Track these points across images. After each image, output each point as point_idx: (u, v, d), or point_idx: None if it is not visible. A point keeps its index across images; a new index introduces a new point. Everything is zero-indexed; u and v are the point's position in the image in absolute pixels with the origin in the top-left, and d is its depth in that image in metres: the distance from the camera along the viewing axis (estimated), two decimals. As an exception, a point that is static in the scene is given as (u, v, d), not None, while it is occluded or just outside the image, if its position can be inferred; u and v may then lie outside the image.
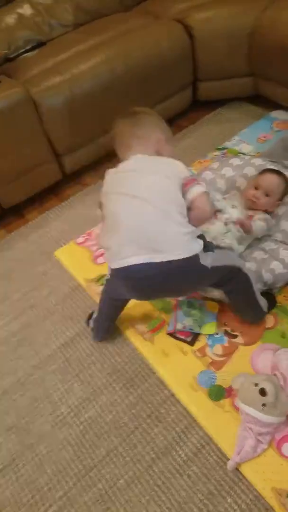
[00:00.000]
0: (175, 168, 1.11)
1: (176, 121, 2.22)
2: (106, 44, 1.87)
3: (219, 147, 1.96)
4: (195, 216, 1.08)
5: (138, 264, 1.00)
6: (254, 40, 1.85)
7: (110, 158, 2.05)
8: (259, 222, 1.33)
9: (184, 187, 1.07)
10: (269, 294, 1.33)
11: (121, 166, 1.15)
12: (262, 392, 1.04)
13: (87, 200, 1.94)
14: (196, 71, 2.03)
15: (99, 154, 1.99)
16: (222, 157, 1.88)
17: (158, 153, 1.15)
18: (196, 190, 1.07)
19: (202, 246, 1.04)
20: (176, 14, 1.99)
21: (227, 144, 1.96)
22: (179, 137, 2.10)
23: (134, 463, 1.10)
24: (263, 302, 1.25)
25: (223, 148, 1.94)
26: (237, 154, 1.88)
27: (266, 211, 1.39)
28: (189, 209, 1.07)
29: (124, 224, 1.04)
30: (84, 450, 1.16)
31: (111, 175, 1.15)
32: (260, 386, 1.05)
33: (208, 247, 1.07)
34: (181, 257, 1.00)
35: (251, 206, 1.39)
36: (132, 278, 1.04)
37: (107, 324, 1.33)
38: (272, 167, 1.48)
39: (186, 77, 2.03)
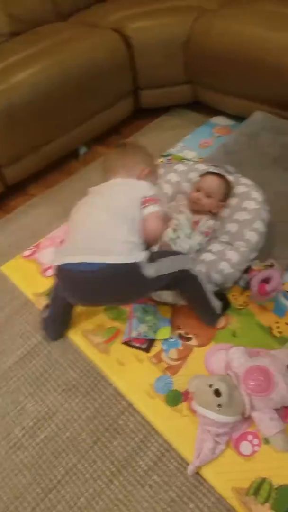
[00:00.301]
0: (138, 189, 1.17)
1: (121, 129, 2.23)
2: (43, 54, 1.84)
3: (164, 154, 1.99)
4: (145, 235, 1.12)
5: (75, 264, 1.02)
6: (189, 49, 1.91)
7: (56, 166, 2.04)
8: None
9: (142, 205, 1.14)
10: (222, 296, 1.36)
11: (96, 188, 1.24)
12: (217, 392, 1.05)
13: (33, 211, 1.89)
14: (136, 79, 2.05)
15: (43, 163, 1.96)
16: (167, 163, 1.91)
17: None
18: (148, 210, 1.14)
19: (144, 257, 1.05)
20: (113, 23, 2.00)
21: (172, 150, 1.99)
22: (124, 145, 2.10)
23: (95, 480, 1.07)
24: (217, 304, 1.27)
25: (168, 155, 1.97)
26: (181, 160, 1.92)
27: (210, 213, 1.42)
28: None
29: (76, 227, 1.13)
30: (42, 472, 1.11)
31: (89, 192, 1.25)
32: (214, 387, 1.06)
33: (154, 258, 1.08)
34: (118, 261, 1.01)
35: (194, 208, 1.42)
36: (72, 280, 1.07)
37: (57, 326, 1.33)
38: (214, 170, 1.52)
39: (126, 85, 2.04)
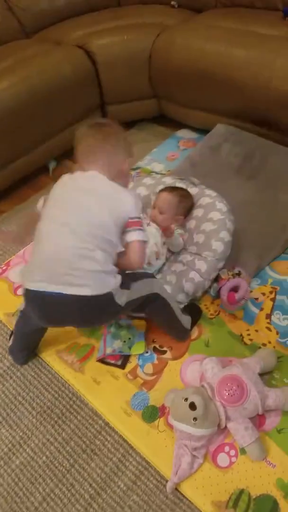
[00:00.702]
0: (121, 207, 1.06)
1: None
2: (7, 71, 1.83)
3: (133, 167, 2.00)
4: (123, 262, 1.07)
5: (47, 292, 0.96)
6: (152, 64, 1.95)
7: (25, 182, 2.02)
8: (177, 237, 1.40)
9: (125, 228, 1.06)
10: (194, 306, 1.37)
11: (77, 175, 1.10)
12: (192, 406, 1.05)
13: (3, 227, 1.86)
14: (103, 94, 2.07)
15: (12, 179, 1.94)
16: (137, 176, 1.93)
17: (116, 178, 1.09)
18: (132, 237, 1.06)
19: (118, 284, 1.02)
20: (77, 40, 2.02)
21: (140, 163, 2.01)
22: (93, 160, 2.11)
23: (73, 504, 1.05)
24: (186, 320, 1.28)
25: (137, 168, 1.99)
26: (150, 173, 1.94)
27: (171, 227, 1.44)
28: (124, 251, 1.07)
29: (44, 248, 1.02)
30: (18, 499, 1.07)
31: (64, 181, 1.11)
32: (189, 400, 1.07)
33: (125, 283, 1.05)
34: (91, 293, 0.96)
35: (155, 224, 1.44)
36: (40, 304, 1.00)
37: (24, 353, 1.30)
38: (180, 184, 1.55)
39: (93, 100, 2.06)
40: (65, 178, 1.12)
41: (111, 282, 1.01)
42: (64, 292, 0.95)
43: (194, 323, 1.33)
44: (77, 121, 2.02)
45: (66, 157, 2.15)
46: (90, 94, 2.01)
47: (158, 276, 1.40)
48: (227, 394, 1.08)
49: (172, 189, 1.48)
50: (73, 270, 0.96)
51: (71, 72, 1.87)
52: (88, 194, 1.06)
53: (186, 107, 2.01)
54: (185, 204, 1.48)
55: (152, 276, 1.20)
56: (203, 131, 2.03)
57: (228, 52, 1.75)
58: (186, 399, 1.08)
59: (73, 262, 0.97)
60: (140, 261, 1.10)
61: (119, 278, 1.03)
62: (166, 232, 1.38)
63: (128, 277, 1.08)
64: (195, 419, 1.05)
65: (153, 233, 1.41)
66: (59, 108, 1.89)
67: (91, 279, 0.97)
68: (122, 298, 1.03)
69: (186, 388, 1.15)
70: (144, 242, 1.09)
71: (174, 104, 2.05)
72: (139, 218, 1.08)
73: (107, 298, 1.00)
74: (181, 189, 1.51)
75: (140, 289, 1.10)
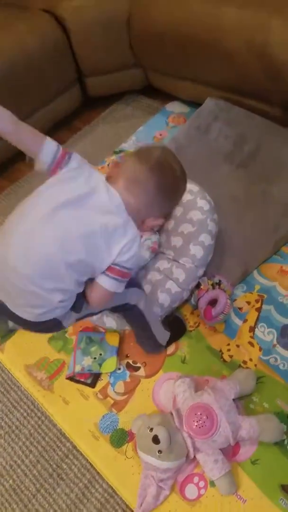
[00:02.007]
0: (125, 235, 0.87)
1: (69, 122, 2.04)
2: None
3: (116, 150, 1.83)
4: (86, 297, 0.94)
5: None
6: (131, 28, 1.70)
7: (0, 172, 1.88)
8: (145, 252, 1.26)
9: (107, 271, 0.89)
10: (179, 322, 1.27)
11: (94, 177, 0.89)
12: (155, 440, 0.99)
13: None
14: (79, 66, 1.84)
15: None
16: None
17: (136, 218, 0.91)
18: (104, 282, 0.89)
19: (64, 311, 0.93)
20: (43, 3, 1.75)
21: (124, 146, 1.83)
22: (73, 141, 1.94)
23: (38, 532, 1.04)
24: (162, 335, 1.19)
25: (120, 151, 1.82)
26: (133, 156, 1.77)
27: (152, 230, 1.31)
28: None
29: (8, 256, 0.85)
30: (-15, 525, 1.07)
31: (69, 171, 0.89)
32: (154, 432, 1.00)
33: (76, 307, 0.95)
34: (33, 320, 0.90)
35: None
36: None
37: None
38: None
39: (68, 75, 1.83)
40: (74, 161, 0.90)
41: (57, 312, 0.91)
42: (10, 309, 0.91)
43: (172, 340, 1.23)
44: (53, 99, 1.83)
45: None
46: (64, 68, 1.79)
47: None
48: (195, 425, 1.00)
49: None
50: (24, 295, 0.88)
51: (37, 45, 1.64)
52: (89, 207, 0.86)
53: (174, 78, 1.77)
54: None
55: (134, 285, 1.07)
56: (196, 104, 1.81)
57: (217, 12, 1.49)
58: (151, 429, 1.01)
59: (24, 291, 0.86)
60: (96, 305, 0.98)
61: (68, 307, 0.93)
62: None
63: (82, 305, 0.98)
64: (159, 451, 0.99)
65: None
66: (29, 88, 1.69)
67: (49, 305, 0.88)
68: (70, 320, 0.97)
69: (153, 415, 1.07)
70: (112, 295, 0.93)
71: (161, 74, 1.82)
72: (126, 269, 0.90)
73: (54, 322, 0.93)
74: None
75: (116, 299, 0.99)
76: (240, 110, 1.59)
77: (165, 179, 0.91)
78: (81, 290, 0.92)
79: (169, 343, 1.22)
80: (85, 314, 1.01)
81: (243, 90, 1.58)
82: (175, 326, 1.25)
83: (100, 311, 1.12)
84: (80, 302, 0.95)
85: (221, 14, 1.49)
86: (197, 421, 1.00)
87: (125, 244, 0.87)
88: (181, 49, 1.62)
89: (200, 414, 1.01)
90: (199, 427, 1.00)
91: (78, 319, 1.01)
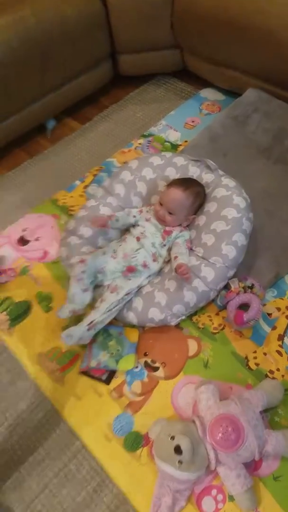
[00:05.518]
0: None
1: (97, 98, 1.94)
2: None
3: (144, 133, 1.73)
4: None
5: None
6: (175, 7, 1.59)
7: (18, 144, 1.77)
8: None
9: None
10: None
11: None
12: (178, 450, 0.92)
13: None
14: (114, 41, 1.73)
15: (5, 140, 1.69)
16: (148, 146, 1.67)
17: None
18: None
19: None
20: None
21: (153, 130, 1.73)
22: (99, 119, 1.83)
23: (39, 534, 0.97)
24: None
25: (149, 135, 1.72)
26: (163, 143, 1.67)
27: (181, 225, 1.23)
28: None
29: None
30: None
31: None
32: (176, 442, 0.93)
33: None
34: None
35: (160, 223, 1.23)
36: None
37: None
38: (194, 169, 1.30)
39: (102, 49, 1.73)
40: None
41: None
42: None
43: None
44: (82, 73, 1.73)
45: (68, 116, 1.88)
46: (98, 41, 1.68)
47: (156, 280, 1.21)
48: (220, 436, 0.93)
49: (184, 184, 1.23)
50: None
51: (76, 13, 1.54)
52: None
53: (213, 63, 1.67)
54: (199, 203, 1.25)
55: None
56: (232, 93, 1.71)
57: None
58: (172, 437, 0.94)
59: None
60: None
61: None
62: (182, 271, 1.12)
63: None
64: (180, 462, 0.92)
65: (151, 231, 1.21)
66: (59, 58, 1.59)
67: None
68: None
69: (175, 422, 1.00)
70: None
71: (199, 58, 1.71)
72: None
73: None
74: (195, 183, 1.26)
75: None
76: (282, 103, 1.49)
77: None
78: None
79: None
80: None
81: (286, 82, 1.48)
82: None
83: None
84: None
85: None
86: (222, 433, 0.93)
87: None
88: (225, 33, 1.51)
89: (226, 425, 0.94)
90: (224, 440, 0.93)
91: None
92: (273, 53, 1.42)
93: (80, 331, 1.11)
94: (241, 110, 1.54)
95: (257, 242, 1.25)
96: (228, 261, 1.17)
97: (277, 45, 1.40)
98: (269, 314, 1.19)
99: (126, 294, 1.16)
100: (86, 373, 1.15)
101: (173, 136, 1.69)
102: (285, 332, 1.16)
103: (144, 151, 1.66)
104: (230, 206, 1.20)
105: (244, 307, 1.14)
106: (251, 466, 0.97)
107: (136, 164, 1.37)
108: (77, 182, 1.60)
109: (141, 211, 1.27)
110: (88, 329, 1.12)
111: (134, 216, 1.26)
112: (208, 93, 1.81)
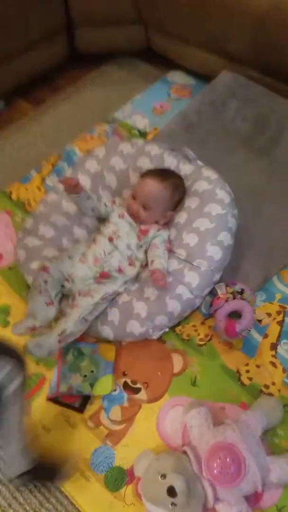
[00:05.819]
0: None
1: (52, 78, 1.73)
2: None
3: (108, 120, 1.54)
4: None
5: None
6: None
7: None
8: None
9: None
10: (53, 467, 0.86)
11: None
12: (171, 492, 0.78)
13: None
14: (69, 13, 1.52)
15: None
16: (112, 134, 1.49)
17: None
18: None
19: None
20: None
21: (118, 115, 1.55)
22: (55, 103, 1.63)
23: None
24: (18, 463, 0.80)
25: (113, 121, 1.54)
26: (130, 129, 1.50)
27: (157, 223, 1.09)
28: None
29: None
30: None
31: None
32: (168, 482, 0.79)
33: None
34: None
35: (134, 219, 1.09)
36: None
37: None
38: (170, 159, 1.16)
39: (55, 21, 1.52)
40: None
41: None
42: None
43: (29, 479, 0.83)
44: (32, 47, 1.51)
45: (19, 96, 1.65)
46: (51, 11, 1.47)
47: (134, 288, 1.06)
48: (218, 470, 0.81)
49: (161, 175, 1.09)
50: None
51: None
52: None
53: (182, 41, 1.51)
54: (178, 197, 1.10)
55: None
56: (203, 76, 1.56)
57: None
58: (163, 476, 0.81)
59: None
60: None
61: None
62: (155, 278, 0.98)
63: None
64: (173, 504, 0.79)
65: (126, 231, 1.05)
66: (5, 29, 1.37)
67: None
68: None
69: (165, 456, 0.86)
70: None
71: (166, 35, 1.54)
72: None
73: None
74: (174, 174, 1.13)
75: None
76: (262, 88, 1.37)
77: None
78: None
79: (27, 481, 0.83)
80: None
81: (268, 66, 1.36)
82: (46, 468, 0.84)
83: None
84: None
85: None
86: (220, 466, 0.81)
87: None
88: (198, 7, 1.36)
89: (224, 457, 0.82)
90: (223, 474, 0.81)
91: None
92: (253, 31, 1.28)
93: (50, 341, 0.94)
94: (217, 95, 1.40)
95: (242, 243, 1.13)
96: (214, 263, 1.04)
97: (256, 21, 1.27)
98: (259, 321, 1.08)
99: (102, 299, 1.00)
100: (55, 400, 0.98)
101: (141, 122, 1.53)
102: (277, 340, 1.06)
103: (109, 138, 1.48)
104: (213, 202, 1.07)
105: (233, 315, 1.03)
106: (252, 499, 0.86)
107: (103, 153, 1.20)
108: (33, 173, 1.40)
109: (113, 202, 1.11)
110: (59, 341, 0.95)
111: (106, 205, 1.10)
112: (176, 77, 1.66)
